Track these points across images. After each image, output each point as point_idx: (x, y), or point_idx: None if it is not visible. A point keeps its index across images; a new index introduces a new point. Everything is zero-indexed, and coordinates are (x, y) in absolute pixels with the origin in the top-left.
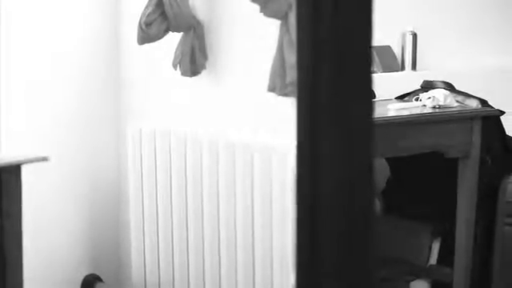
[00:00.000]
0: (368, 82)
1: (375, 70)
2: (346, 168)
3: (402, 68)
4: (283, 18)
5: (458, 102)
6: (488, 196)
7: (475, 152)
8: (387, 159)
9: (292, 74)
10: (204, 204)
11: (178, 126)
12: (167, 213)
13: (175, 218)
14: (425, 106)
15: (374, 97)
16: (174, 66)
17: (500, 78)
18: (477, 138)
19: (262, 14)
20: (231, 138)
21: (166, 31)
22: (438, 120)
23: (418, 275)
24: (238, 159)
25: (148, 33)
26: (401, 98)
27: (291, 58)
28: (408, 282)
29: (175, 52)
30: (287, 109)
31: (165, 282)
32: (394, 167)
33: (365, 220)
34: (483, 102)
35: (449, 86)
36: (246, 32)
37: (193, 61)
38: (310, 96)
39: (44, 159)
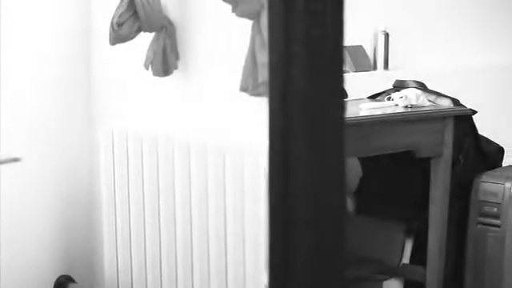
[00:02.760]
0: (340, 81)
1: (347, 69)
2: (318, 168)
3: (374, 67)
4: (255, 18)
5: (430, 101)
6: (460, 195)
7: (447, 151)
8: (359, 159)
9: (264, 74)
10: (176, 205)
11: (149, 126)
12: (139, 214)
13: (147, 218)
14: (397, 105)
15: (346, 96)
16: (146, 66)
17: (473, 78)
18: (449, 138)
19: (233, 13)
20: (203, 138)
21: (138, 31)
22: (410, 119)
23: (390, 274)
24: (210, 159)
25: (120, 33)
26: (373, 97)
27: (263, 57)
28: (381, 281)
29: (147, 52)
30: (259, 109)
31: (137, 282)
32: (367, 167)
33: (337, 220)
34: (455, 102)
35: (421, 86)
36: (218, 32)
37: (164, 61)
38: (281, 96)
39: (15, 160)
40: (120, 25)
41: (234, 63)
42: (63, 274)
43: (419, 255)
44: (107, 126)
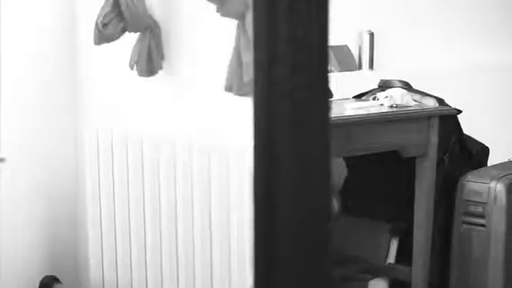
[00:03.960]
0: (325, 81)
1: (332, 69)
2: (303, 167)
3: (360, 67)
4: (240, 17)
5: (415, 100)
6: (445, 195)
7: (432, 151)
8: (345, 158)
9: (249, 74)
10: (161, 204)
11: (135, 126)
12: (124, 213)
13: (133, 218)
14: (382, 105)
15: (331, 96)
16: (131, 66)
17: (457, 77)
18: (434, 137)
19: (218, 13)
20: (188, 137)
21: (123, 31)
22: (395, 119)
23: (376, 274)
24: (195, 159)
25: (105, 33)
26: (358, 97)
27: (248, 57)
28: (366, 280)
29: (132, 52)
30: (244, 108)
31: (122, 281)
32: (352, 167)
33: (322, 219)
34: (440, 101)
35: (406, 85)
36: (203, 32)
37: (149, 61)
38: (266, 95)
39: (0, 160)
40: (105, 25)
41: (219, 63)
42: (48, 274)
43: (404, 255)
44: (92, 126)
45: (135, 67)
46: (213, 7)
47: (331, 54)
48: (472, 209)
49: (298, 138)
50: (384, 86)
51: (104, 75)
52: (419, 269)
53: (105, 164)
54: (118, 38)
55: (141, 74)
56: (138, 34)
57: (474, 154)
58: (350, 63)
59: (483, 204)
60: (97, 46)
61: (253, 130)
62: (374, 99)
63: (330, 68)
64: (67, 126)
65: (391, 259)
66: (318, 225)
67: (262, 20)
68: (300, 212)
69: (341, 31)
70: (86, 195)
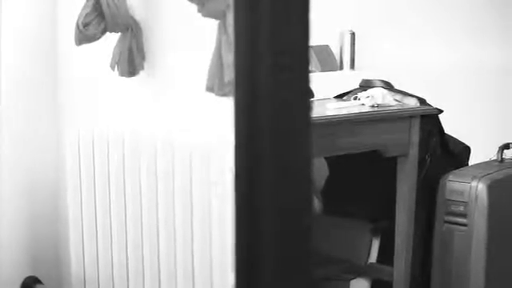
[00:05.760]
0: (306, 81)
1: (313, 69)
2: (285, 167)
3: (341, 67)
4: (221, 17)
5: (396, 100)
6: (427, 194)
7: (414, 151)
8: (326, 158)
9: (230, 74)
10: (143, 203)
11: (116, 126)
12: (106, 213)
13: (114, 218)
14: (363, 104)
15: (313, 96)
16: (112, 67)
17: (439, 77)
18: (415, 137)
19: (199, 13)
20: (170, 138)
21: (104, 32)
22: (376, 119)
23: (357, 274)
24: (176, 159)
25: (85, 33)
26: (339, 97)
27: (229, 57)
28: (348, 280)
29: (113, 52)
30: (226, 109)
31: (104, 281)
32: (333, 166)
33: (303, 219)
34: (422, 101)
35: (387, 85)
36: (184, 32)
37: (130, 61)
38: (247, 96)
39: None
40: (86, 25)
41: (200, 63)
42: (30, 275)
43: (386, 254)
44: (73, 126)
45: (116, 67)
46: (194, 7)
47: (312, 54)
48: (453, 208)
49: (279, 138)
50: (365, 85)
51: (85, 75)
52: (401, 268)
53: (86, 164)
54: (98, 38)
55: (122, 74)
56: (119, 34)
57: (455, 154)
58: (331, 63)
59: (465, 203)
60: (78, 47)
61: (234, 130)
62: (355, 99)
63: (311, 68)
64: (48, 127)
65: (373, 259)
66: (300, 224)
67: (243, 20)
68: (281, 212)
69: (322, 31)
70: (67, 195)
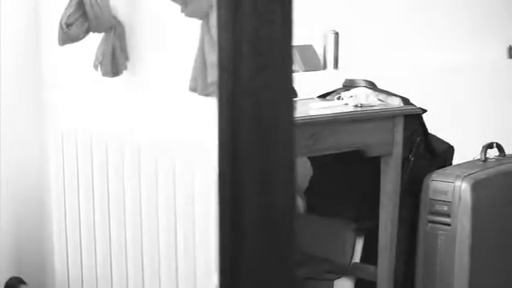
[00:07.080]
0: (289, 80)
1: (297, 68)
2: (268, 167)
3: (324, 67)
4: (204, 17)
5: (379, 100)
6: (411, 194)
7: (397, 150)
8: (309, 158)
9: (213, 74)
10: (126, 204)
11: (99, 126)
12: (89, 213)
13: (98, 218)
14: (347, 104)
15: (296, 96)
16: (95, 67)
17: (422, 77)
18: (399, 137)
19: (182, 13)
20: (153, 138)
21: (87, 32)
22: (359, 119)
23: (341, 273)
24: (160, 159)
25: (69, 33)
26: (323, 96)
27: (212, 57)
28: (332, 280)
29: (96, 52)
30: (209, 109)
31: (87, 282)
32: (317, 166)
33: (286, 219)
34: (405, 101)
35: (371, 85)
36: (167, 32)
37: (114, 61)
38: (230, 96)
39: None
40: (69, 25)
41: (184, 63)
42: (13, 275)
43: (370, 254)
44: (57, 127)
45: (99, 68)
46: (177, 8)
47: (296, 54)
48: (437, 208)
49: (263, 138)
50: (349, 85)
51: (68, 76)
52: (384, 268)
53: (70, 164)
54: (82, 38)
55: (105, 74)
56: (103, 34)
57: (439, 153)
58: (314, 63)
59: (448, 203)
60: (61, 47)
61: (217, 129)
62: (338, 99)
63: (294, 68)
64: (31, 127)
65: (356, 258)
66: (283, 224)
67: (226, 20)
68: (265, 212)
69: (305, 31)
70: (50, 196)
